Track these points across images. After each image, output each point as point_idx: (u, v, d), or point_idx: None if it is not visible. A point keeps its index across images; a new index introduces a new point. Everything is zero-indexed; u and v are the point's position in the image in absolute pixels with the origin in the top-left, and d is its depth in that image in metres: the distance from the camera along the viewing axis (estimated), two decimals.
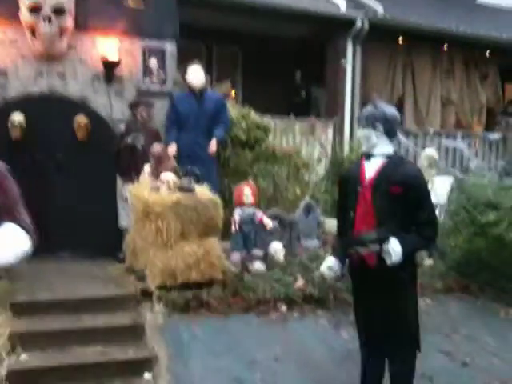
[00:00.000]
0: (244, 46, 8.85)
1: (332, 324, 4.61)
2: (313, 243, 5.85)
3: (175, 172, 4.92)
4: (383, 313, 3.14)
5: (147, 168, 5.22)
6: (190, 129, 5.98)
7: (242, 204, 5.10)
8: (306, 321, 4.63)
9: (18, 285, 4.61)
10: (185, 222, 4.64)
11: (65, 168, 5.82)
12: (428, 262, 5.64)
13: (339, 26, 8.19)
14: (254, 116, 6.71)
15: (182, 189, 4.71)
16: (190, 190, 4.71)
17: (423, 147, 7.99)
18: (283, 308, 4.68)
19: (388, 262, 2.96)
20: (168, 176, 4.75)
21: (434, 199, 3.72)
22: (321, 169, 7.73)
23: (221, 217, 4.85)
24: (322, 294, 4.79)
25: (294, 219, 5.89)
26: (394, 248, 2.94)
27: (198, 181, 5.04)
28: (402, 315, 3.15)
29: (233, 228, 5.04)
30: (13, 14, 5.52)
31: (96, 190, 5.85)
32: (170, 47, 6.30)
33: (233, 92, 7.67)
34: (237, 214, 5.04)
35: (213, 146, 5.94)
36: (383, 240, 2.94)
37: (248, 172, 6.63)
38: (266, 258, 5.19)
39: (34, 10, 5.48)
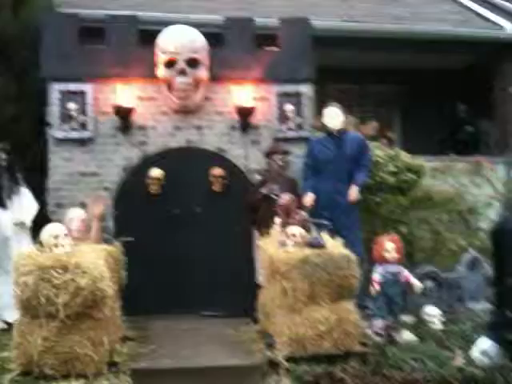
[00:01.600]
0: (393, 82, 8.15)
1: None
2: (479, 307, 4.82)
3: (304, 225, 4.40)
4: None
5: (277, 220, 4.79)
6: (328, 175, 5.46)
7: (383, 261, 4.36)
8: None
9: (144, 348, 4.42)
10: (314, 282, 4.05)
11: (201, 221, 5.66)
12: None
13: (506, 48, 7.08)
14: (404, 157, 5.96)
15: (310, 244, 4.17)
16: (319, 246, 4.15)
17: None
18: None
19: None
20: (295, 229, 4.25)
21: None
22: (491, 214, 6.58)
23: (357, 276, 4.17)
24: (487, 375, 3.78)
25: (454, 277, 4.94)
26: None
27: (332, 234, 4.46)
28: None
29: (372, 289, 4.31)
30: (151, 72, 5.63)
31: (232, 243, 5.59)
32: (306, 90, 5.92)
33: (382, 132, 6.98)
34: (377, 273, 4.32)
35: (353, 192, 5.32)
36: None
37: (400, 220, 5.85)
38: (417, 327, 4.33)
39: (170, 64, 5.52)
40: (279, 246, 4.26)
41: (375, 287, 4.31)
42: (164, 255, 5.50)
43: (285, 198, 4.68)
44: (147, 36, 5.66)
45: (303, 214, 4.62)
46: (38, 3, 5.93)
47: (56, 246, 3.83)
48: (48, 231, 3.89)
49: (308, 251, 4.12)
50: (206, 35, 5.66)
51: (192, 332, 4.96)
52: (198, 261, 5.58)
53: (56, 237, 3.85)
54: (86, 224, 4.44)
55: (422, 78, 7.83)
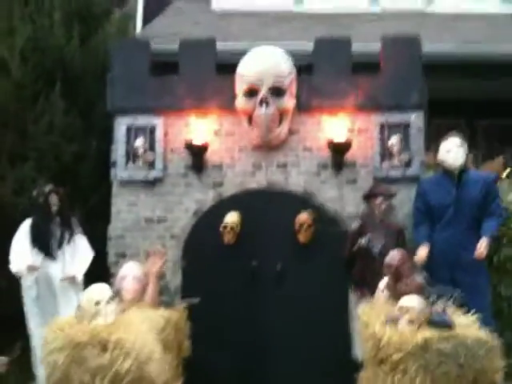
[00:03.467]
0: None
1: None
2: None
3: (422, 293, 3.27)
4: None
5: (382, 284, 3.69)
6: (447, 224, 4.32)
7: None
8: None
9: None
10: (438, 378, 2.90)
11: (285, 279, 4.66)
12: None
13: None
14: None
15: (433, 322, 3.03)
16: (446, 325, 2.99)
17: None
18: None
19: None
20: (410, 301, 3.13)
21: None
22: None
23: (499, 368, 2.97)
24: None
25: None
26: None
27: (461, 306, 3.29)
28: None
29: None
30: (229, 104, 4.85)
31: (323, 309, 4.56)
32: (415, 120, 4.84)
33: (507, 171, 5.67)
34: None
35: (482, 246, 4.11)
36: None
37: None
38: None
39: (251, 93, 4.69)
40: (388, 321, 3.15)
41: None
42: (238, 321, 4.55)
43: (395, 254, 3.58)
44: (227, 66, 4.92)
45: (420, 278, 3.47)
46: (108, 31, 5.38)
47: (97, 314, 2.99)
48: (88, 295, 3.07)
49: (429, 333, 2.97)
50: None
51: None
52: (280, 330, 4.56)
53: (97, 303, 3.02)
54: (142, 283, 3.60)
55: None
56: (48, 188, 4.38)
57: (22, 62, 5.03)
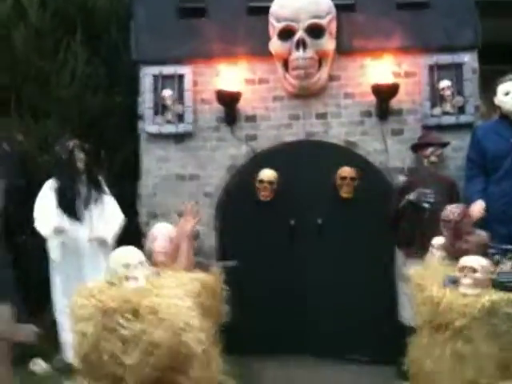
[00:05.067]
0: None
1: None
2: None
3: (485, 251, 2.93)
4: None
5: (437, 241, 3.35)
6: (504, 175, 3.93)
7: None
8: None
9: None
10: (506, 344, 2.59)
11: (325, 236, 4.36)
12: None
13: None
14: None
15: (499, 284, 2.69)
16: None
17: None
18: None
19: None
20: (474, 260, 2.79)
21: None
22: None
23: None
24: None
25: None
26: None
27: None
28: None
29: None
30: (263, 48, 4.44)
31: (366, 267, 4.26)
32: (469, 61, 4.38)
33: None
34: None
35: None
36: None
37: None
38: None
39: (286, 35, 4.29)
40: (447, 284, 2.82)
41: None
42: (277, 282, 4.29)
43: (454, 209, 3.21)
44: (259, 7, 4.50)
45: (483, 234, 3.11)
46: None
47: (127, 278, 2.74)
48: (117, 258, 2.82)
49: (496, 296, 2.65)
50: None
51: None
52: (320, 289, 4.30)
53: (127, 266, 2.77)
54: (174, 244, 3.33)
55: None
56: (72, 143, 4.09)
57: (40, 8, 4.69)
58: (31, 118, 4.62)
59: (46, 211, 3.91)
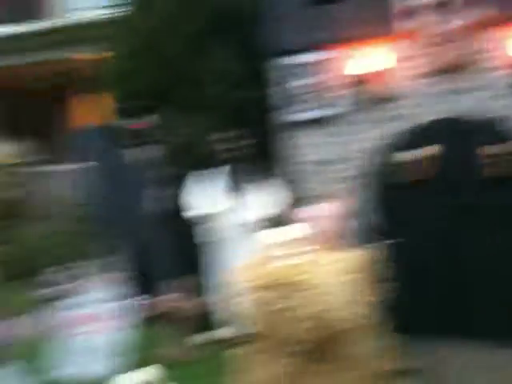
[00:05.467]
0: None
1: None
2: None
3: None
4: None
5: None
6: None
7: None
8: None
9: None
10: None
11: (478, 218, 4.14)
12: None
13: None
14: None
15: None
16: None
17: None
18: None
19: None
20: None
21: None
22: None
23: None
24: None
25: None
26: None
27: None
28: None
29: None
30: (402, 26, 4.32)
31: None
32: None
33: None
34: None
35: None
36: None
37: None
38: None
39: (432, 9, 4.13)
40: None
41: None
42: (437, 260, 4.19)
43: None
44: None
45: None
46: None
47: (283, 256, 2.85)
48: (274, 237, 2.94)
49: None
50: None
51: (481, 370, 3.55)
52: (483, 270, 4.13)
53: (283, 244, 2.88)
54: (330, 224, 3.38)
55: None
56: (222, 136, 4.35)
57: (187, 14, 5.02)
58: (184, 113, 4.94)
59: (205, 196, 4.22)
